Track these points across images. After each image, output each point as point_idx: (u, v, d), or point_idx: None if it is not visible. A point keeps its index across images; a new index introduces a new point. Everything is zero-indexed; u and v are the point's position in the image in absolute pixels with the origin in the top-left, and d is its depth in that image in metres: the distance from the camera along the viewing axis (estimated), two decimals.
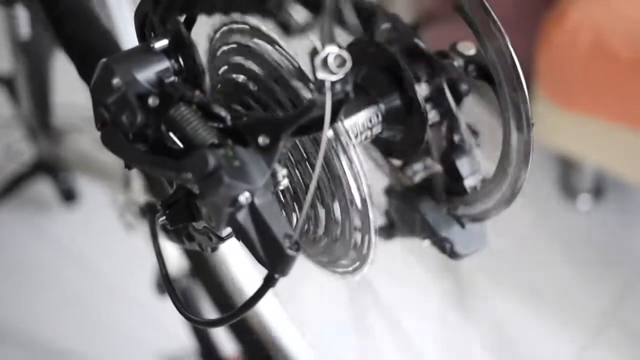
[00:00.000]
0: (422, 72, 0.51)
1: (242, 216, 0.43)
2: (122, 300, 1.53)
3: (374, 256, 0.49)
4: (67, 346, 1.47)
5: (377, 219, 0.48)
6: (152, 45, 0.47)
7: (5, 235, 1.69)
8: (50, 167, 1.64)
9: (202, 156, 0.42)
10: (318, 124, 0.42)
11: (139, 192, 1.00)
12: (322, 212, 0.50)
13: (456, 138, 0.53)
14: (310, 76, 0.44)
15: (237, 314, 0.47)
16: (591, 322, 1.55)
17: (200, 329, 1.14)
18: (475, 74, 0.51)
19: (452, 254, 0.56)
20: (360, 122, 0.51)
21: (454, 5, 0.47)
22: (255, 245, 0.44)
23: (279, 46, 0.46)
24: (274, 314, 0.90)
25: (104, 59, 0.46)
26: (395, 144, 0.55)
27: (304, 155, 0.48)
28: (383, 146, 0.57)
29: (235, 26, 0.48)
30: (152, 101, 0.45)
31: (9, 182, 1.64)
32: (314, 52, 0.40)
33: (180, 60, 0.47)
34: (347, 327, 1.18)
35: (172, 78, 0.47)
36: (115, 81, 0.45)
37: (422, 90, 0.51)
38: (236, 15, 0.46)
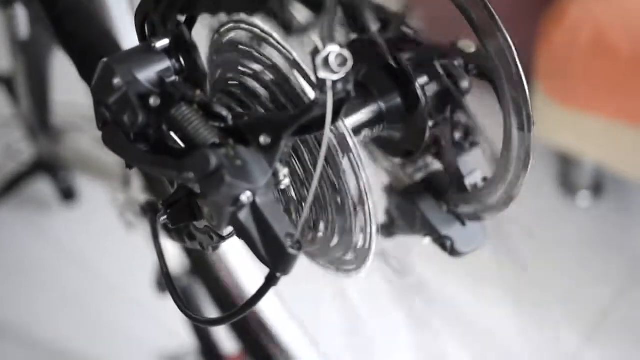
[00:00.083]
0: (423, 69, 0.51)
1: (244, 215, 0.43)
2: (122, 299, 1.53)
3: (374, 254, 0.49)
4: (66, 345, 1.47)
5: (377, 217, 0.48)
6: (153, 44, 0.47)
7: (4, 234, 1.69)
8: (50, 166, 1.64)
9: (203, 156, 0.42)
10: (319, 123, 0.42)
11: (139, 191, 1.00)
12: (323, 211, 0.50)
13: (457, 136, 0.53)
14: (312, 75, 0.44)
15: (238, 312, 0.47)
16: (590, 318, 1.55)
17: (201, 327, 1.14)
18: (476, 73, 0.51)
19: (453, 252, 0.56)
20: (361, 120, 0.51)
21: (455, 3, 0.47)
22: (257, 244, 0.44)
23: (280, 45, 0.46)
24: (275, 312, 0.90)
25: (104, 59, 0.46)
26: (396, 142, 0.55)
27: (306, 155, 0.48)
28: (384, 144, 0.57)
29: (236, 25, 0.47)
30: (153, 101, 0.45)
31: (8, 181, 1.64)
32: (315, 52, 0.40)
33: (181, 59, 0.47)
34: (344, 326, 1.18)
35: (173, 77, 0.47)
36: (116, 81, 0.45)
37: (422, 81, 0.50)
38: (237, 15, 0.46)
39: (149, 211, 0.52)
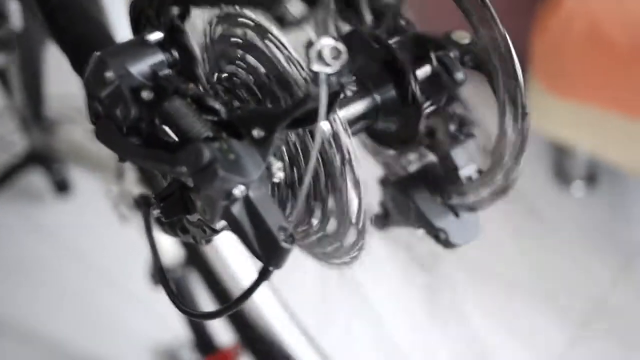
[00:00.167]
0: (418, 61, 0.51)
1: (237, 209, 0.43)
2: (116, 291, 1.53)
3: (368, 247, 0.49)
4: (62, 337, 1.47)
5: (371, 209, 0.48)
6: (146, 38, 0.46)
7: None
8: (43, 158, 1.63)
9: (196, 149, 0.42)
10: (313, 117, 0.42)
11: (133, 183, 1.00)
12: (317, 204, 0.50)
13: (452, 127, 0.53)
14: (306, 68, 0.44)
15: (231, 306, 0.47)
16: (584, 309, 1.55)
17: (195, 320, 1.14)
18: (471, 64, 0.51)
19: (447, 244, 0.56)
20: (356, 113, 0.51)
21: None
22: (250, 238, 0.44)
23: (275, 38, 0.45)
24: (269, 304, 0.90)
25: (97, 52, 0.46)
26: (390, 134, 0.54)
27: (299, 147, 0.48)
28: (378, 137, 0.57)
29: (230, 19, 0.47)
30: (146, 94, 0.45)
31: (1, 173, 1.63)
32: (309, 44, 0.40)
33: (175, 53, 0.47)
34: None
35: (167, 71, 0.46)
36: (109, 74, 0.45)
37: (418, 73, 0.50)
38: (231, 8, 0.46)
39: (142, 204, 0.52)
